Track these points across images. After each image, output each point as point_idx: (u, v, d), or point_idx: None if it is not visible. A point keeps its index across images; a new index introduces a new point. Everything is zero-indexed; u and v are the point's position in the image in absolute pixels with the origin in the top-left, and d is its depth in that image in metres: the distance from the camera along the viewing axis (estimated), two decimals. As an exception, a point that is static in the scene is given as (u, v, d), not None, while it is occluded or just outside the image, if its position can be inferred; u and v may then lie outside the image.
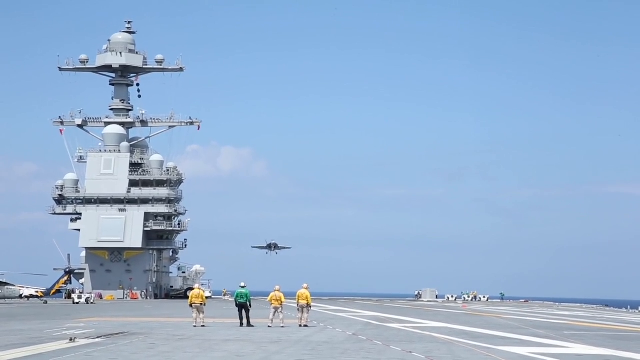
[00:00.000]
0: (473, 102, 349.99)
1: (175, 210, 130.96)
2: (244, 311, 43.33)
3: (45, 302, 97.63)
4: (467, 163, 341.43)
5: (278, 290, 42.80)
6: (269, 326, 41.99)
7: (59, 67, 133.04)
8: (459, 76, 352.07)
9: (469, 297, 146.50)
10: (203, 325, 42.52)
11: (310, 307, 44.37)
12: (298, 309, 44.11)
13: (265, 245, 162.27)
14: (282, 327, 41.57)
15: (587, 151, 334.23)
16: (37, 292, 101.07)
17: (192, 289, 47.85)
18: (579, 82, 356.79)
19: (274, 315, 42.63)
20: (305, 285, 43.80)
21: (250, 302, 43.49)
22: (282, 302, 42.76)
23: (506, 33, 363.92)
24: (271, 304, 42.80)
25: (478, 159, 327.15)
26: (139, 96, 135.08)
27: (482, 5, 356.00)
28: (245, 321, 43.05)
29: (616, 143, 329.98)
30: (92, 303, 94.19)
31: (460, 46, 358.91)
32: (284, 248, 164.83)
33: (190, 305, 43.94)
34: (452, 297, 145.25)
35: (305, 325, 42.98)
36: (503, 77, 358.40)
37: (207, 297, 49.57)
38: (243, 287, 43.49)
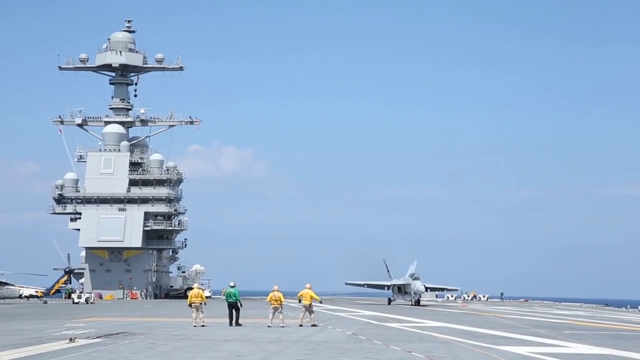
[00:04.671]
0: (474, 102, 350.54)
1: (175, 210, 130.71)
2: (234, 310, 43.51)
3: (45, 302, 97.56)
4: (468, 164, 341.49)
5: (277, 290, 42.81)
6: (268, 326, 41.98)
7: (59, 66, 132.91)
8: (460, 77, 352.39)
9: (468, 296, 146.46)
10: (203, 325, 42.49)
11: (320, 302, 44.11)
12: (301, 309, 44.13)
13: (389, 284, 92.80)
14: (282, 326, 41.55)
15: (587, 152, 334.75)
16: (36, 292, 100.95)
17: (191, 288, 47.79)
18: (579, 83, 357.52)
19: (273, 315, 42.65)
20: (308, 285, 43.77)
21: (240, 301, 43.63)
22: (281, 302, 42.78)
23: (507, 34, 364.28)
24: (271, 304, 42.82)
25: (478, 159, 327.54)
26: (135, 95, 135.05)
27: (483, 6, 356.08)
28: (235, 320, 43.24)
29: (617, 143, 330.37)
30: (91, 303, 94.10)
31: (462, 47, 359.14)
32: (448, 290, 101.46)
33: (190, 305, 43.96)
34: (452, 296, 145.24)
35: (314, 325, 42.92)
36: (504, 78, 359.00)
37: (206, 297, 49.56)
38: (233, 287, 43.65)
